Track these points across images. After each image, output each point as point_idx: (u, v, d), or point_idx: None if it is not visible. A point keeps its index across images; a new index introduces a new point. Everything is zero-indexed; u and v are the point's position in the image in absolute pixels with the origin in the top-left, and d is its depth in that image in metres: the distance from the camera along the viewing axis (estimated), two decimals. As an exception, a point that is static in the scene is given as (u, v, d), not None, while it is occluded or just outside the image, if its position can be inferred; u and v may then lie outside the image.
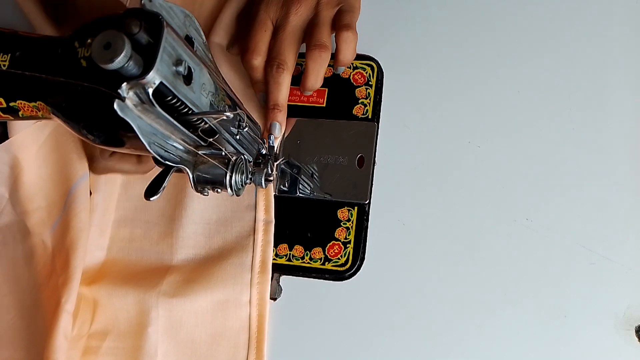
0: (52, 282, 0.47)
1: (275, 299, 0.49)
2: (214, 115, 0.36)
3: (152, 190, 0.37)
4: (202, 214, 0.49)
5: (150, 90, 0.31)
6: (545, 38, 0.50)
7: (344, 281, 0.48)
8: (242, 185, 0.41)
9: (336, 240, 0.49)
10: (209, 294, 0.47)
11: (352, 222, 0.49)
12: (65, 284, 0.45)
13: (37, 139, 0.50)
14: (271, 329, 0.48)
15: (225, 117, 0.36)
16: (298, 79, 0.52)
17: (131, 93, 0.31)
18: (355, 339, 0.47)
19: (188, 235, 0.49)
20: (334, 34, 0.49)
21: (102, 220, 0.50)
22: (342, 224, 0.49)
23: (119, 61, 0.28)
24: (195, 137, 0.38)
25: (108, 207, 0.50)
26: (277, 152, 0.51)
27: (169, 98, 0.33)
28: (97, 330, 0.48)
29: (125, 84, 0.30)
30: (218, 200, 0.49)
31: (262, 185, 0.43)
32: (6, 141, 0.49)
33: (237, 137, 0.42)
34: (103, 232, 0.50)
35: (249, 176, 0.42)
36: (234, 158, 0.40)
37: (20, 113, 0.36)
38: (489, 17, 0.52)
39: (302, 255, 0.49)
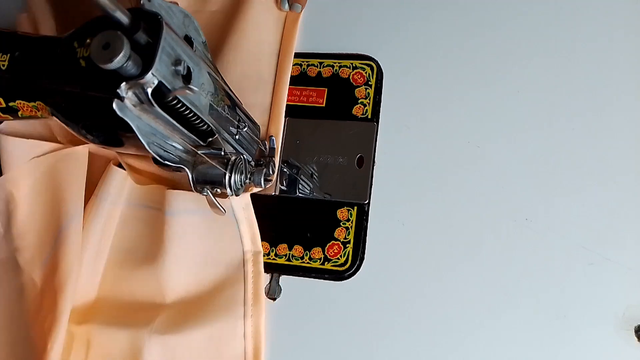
0: (40, 321, 0.46)
1: (275, 299, 0.49)
2: (184, 92, 0.35)
3: None
4: (187, 253, 0.49)
5: (150, 90, 0.31)
6: (545, 38, 0.50)
7: (343, 281, 0.48)
8: (241, 185, 0.41)
9: (336, 240, 0.49)
10: (203, 330, 0.47)
11: (352, 222, 0.49)
12: (52, 327, 0.45)
13: (32, 175, 0.50)
14: (270, 329, 0.48)
15: (188, 92, 0.34)
16: (297, 79, 0.53)
17: (130, 93, 0.31)
18: (355, 339, 0.47)
19: (177, 274, 0.49)
20: None
21: (96, 258, 0.49)
22: (341, 224, 0.49)
23: (118, 61, 0.28)
24: (195, 137, 0.38)
25: (102, 246, 0.50)
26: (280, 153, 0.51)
27: (168, 98, 0.33)
28: None
29: (124, 83, 0.30)
30: (200, 237, 0.49)
31: (261, 185, 0.43)
32: (1, 177, 0.50)
33: (237, 137, 0.42)
34: (95, 271, 0.50)
35: (248, 176, 0.42)
36: (233, 158, 0.40)
37: (19, 113, 0.36)
38: (488, 17, 0.52)
39: (301, 255, 0.49)
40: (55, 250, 0.47)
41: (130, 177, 0.50)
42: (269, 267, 0.49)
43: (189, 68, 0.34)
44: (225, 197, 0.46)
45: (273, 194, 0.50)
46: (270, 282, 0.49)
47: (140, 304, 0.49)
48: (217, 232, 0.48)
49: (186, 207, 0.48)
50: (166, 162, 0.36)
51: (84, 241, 0.48)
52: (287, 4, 0.53)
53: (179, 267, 0.48)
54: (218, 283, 0.49)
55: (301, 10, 0.54)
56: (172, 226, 0.48)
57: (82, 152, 0.50)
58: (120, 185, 0.50)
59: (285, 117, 0.51)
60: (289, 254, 0.49)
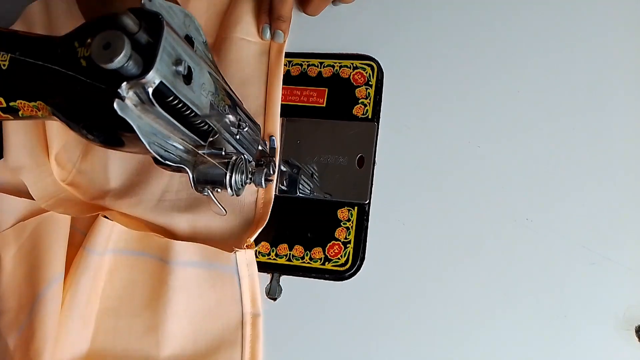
0: None
1: (275, 299, 0.49)
2: (216, 118, 0.36)
3: None
4: (187, 307, 0.48)
5: (150, 90, 0.31)
6: (545, 38, 0.50)
7: (344, 281, 0.48)
8: (242, 185, 0.41)
9: (336, 240, 0.49)
10: None
11: (352, 222, 0.49)
12: None
13: (19, 238, 0.50)
14: (271, 329, 0.48)
15: (227, 122, 0.36)
16: (297, 79, 0.52)
17: (131, 93, 0.31)
18: (355, 339, 0.47)
19: (173, 330, 0.48)
20: None
21: (86, 311, 0.49)
22: (342, 224, 0.49)
23: (119, 61, 0.28)
24: (195, 137, 0.38)
25: (92, 298, 0.49)
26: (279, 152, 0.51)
27: (169, 98, 0.33)
28: None
29: (125, 83, 0.30)
30: (201, 291, 0.48)
31: (262, 185, 0.43)
32: None
33: (237, 137, 0.42)
34: (86, 324, 0.49)
35: (249, 176, 0.42)
36: (234, 158, 0.40)
37: (20, 113, 0.36)
38: (489, 17, 0.52)
39: (302, 255, 0.49)
40: (32, 317, 0.47)
41: (120, 223, 0.50)
42: (269, 267, 0.49)
43: (189, 68, 0.34)
44: (231, 251, 0.46)
45: (274, 194, 0.50)
46: (270, 282, 0.49)
47: (135, 358, 0.48)
48: (218, 289, 0.48)
49: (192, 258, 0.48)
50: (167, 162, 0.36)
51: (73, 296, 0.48)
52: (268, 33, 0.52)
53: (179, 322, 0.48)
54: (215, 344, 0.48)
55: (284, 41, 0.52)
56: (177, 277, 0.47)
57: (63, 217, 0.50)
58: (107, 235, 0.49)
59: (286, 117, 0.51)
60: (290, 254, 0.49)
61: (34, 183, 0.52)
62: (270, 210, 0.49)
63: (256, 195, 0.49)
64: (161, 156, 0.35)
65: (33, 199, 0.51)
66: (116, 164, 0.53)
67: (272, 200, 0.49)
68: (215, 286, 0.48)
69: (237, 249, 0.46)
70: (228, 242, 0.48)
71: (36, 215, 0.51)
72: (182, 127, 0.36)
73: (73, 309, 0.48)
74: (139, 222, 0.51)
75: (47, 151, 0.53)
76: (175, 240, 0.48)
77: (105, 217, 0.50)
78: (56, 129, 0.53)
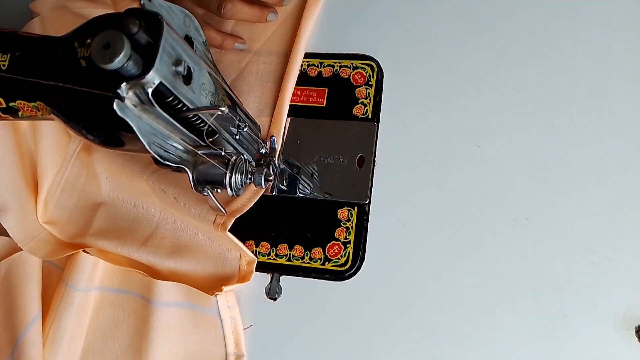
0: None
1: (275, 299, 0.49)
2: (210, 111, 0.36)
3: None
4: (170, 348, 0.48)
5: (150, 90, 0.31)
6: (545, 38, 0.50)
7: (344, 281, 0.48)
8: (241, 185, 0.41)
9: (336, 240, 0.49)
10: None
11: (352, 222, 0.49)
12: None
13: None
14: (271, 329, 0.48)
15: (220, 113, 0.36)
16: (299, 79, 0.52)
17: (131, 93, 0.31)
18: (355, 339, 0.47)
19: None
20: None
21: (70, 348, 0.48)
22: (342, 224, 0.49)
23: (119, 61, 0.29)
24: (195, 137, 0.38)
25: (76, 335, 0.49)
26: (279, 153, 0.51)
27: (169, 98, 0.33)
28: None
29: (124, 84, 0.30)
30: (184, 332, 0.48)
31: (262, 185, 0.43)
32: None
33: (237, 137, 0.42)
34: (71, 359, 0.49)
35: (249, 176, 0.42)
36: (234, 158, 0.40)
37: (20, 113, 0.36)
38: (489, 17, 0.52)
39: (302, 255, 0.49)
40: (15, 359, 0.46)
41: (103, 259, 0.49)
42: (269, 267, 0.49)
43: (189, 68, 0.34)
44: (212, 294, 0.46)
45: (273, 194, 0.50)
46: (270, 282, 0.49)
47: None
48: (201, 331, 0.48)
49: (175, 299, 0.48)
50: (167, 162, 0.36)
51: (55, 332, 0.47)
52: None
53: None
54: None
55: (276, 17, 0.52)
56: (160, 318, 0.47)
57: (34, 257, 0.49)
58: (89, 271, 0.49)
59: (287, 117, 0.51)
60: (290, 254, 0.49)
61: (15, 225, 0.50)
62: (254, 269, 0.48)
63: (239, 253, 0.49)
64: (161, 156, 0.35)
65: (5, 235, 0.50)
66: (102, 209, 0.52)
67: (256, 261, 0.48)
68: (198, 327, 0.48)
69: (217, 292, 0.46)
70: (209, 286, 0.48)
71: (7, 257, 0.50)
72: (181, 128, 0.36)
73: (56, 346, 0.47)
74: (121, 258, 0.50)
75: (34, 188, 0.52)
76: (158, 280, 0.48)
77: (85, 251, 0.49)
78: (48, 162, 0.51)
